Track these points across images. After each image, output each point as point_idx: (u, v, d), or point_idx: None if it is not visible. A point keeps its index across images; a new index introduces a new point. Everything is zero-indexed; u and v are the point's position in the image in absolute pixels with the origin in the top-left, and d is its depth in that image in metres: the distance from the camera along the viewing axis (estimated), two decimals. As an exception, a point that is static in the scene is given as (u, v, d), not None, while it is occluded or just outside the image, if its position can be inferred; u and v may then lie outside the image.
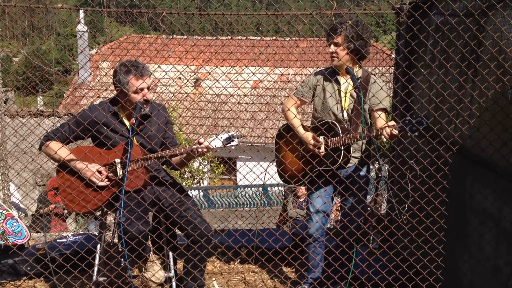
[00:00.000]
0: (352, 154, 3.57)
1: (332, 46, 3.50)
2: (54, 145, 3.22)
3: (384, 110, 3.57)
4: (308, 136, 3.54)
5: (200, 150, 3.11)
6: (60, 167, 3.25)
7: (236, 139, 3.10)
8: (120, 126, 3.28)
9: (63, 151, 3.20)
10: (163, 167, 3.53)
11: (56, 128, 3.31)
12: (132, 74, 3.17)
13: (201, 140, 3.10)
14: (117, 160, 3.20)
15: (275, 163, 3.84)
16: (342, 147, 3.45)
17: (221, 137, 3.09)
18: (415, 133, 3.14)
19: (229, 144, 3.10)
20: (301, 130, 3.58)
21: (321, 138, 3.51)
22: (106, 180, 3.20)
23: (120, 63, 3.26)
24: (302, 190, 7.49)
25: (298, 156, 3.65)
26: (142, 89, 3.21)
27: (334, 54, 3.51)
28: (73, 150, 3.23)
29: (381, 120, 3.49)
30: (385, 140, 3.24)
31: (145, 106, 3.23)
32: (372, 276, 3.59)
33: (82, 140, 3.37)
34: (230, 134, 3.10)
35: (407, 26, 4.12)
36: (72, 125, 3.27)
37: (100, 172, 3.19)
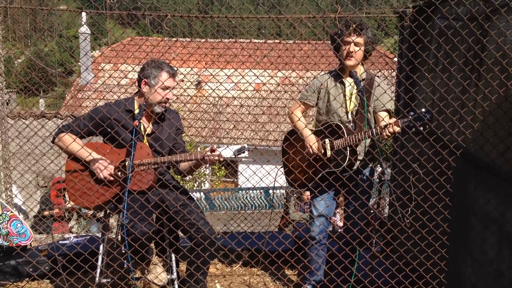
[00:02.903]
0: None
1: (352, 45, 3.47)
2: (68, 138, 3.24)
3: (387, 112, 3.57)
4: (312, 139, 3.53)
5: (212, 158, 3.12)
6: (70, 161, 3.27)
7: (246, 151, 3.14)
8: (132, 125, 3.29)
9: (75, 145, 3.22)
10: (169, 171, 3.55)
11: (70, 122, 3.35)
12: (165, 71, 3.25)
13: (214, 148, 3.12)
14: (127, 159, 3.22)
15: (282, 169, 3.84)
16: (348, 149, 3.44)
17: (233, 148, 3.13)
18: (423, 128, 3.12)
19: (239, 155, 3.15)
20: (305, 133, 3.57)
21: (327, 141, 3.51)
22: (111, 177, 3.22)
23: (151, 59, 3.32)
24: (307, 194, 7.49)
25: (306, 160, 3.62)
26: (168, 88, 3.26)
27: (352, 54, 3.48)
28: (84, 145, 3.26)
29: (384, 122, 3.49)
30: (386, 137, 3.23)
31: (163, 105, 3.29)
32: (375, 279, 3.59)
33: (94, 136, 3.40)
34: (241, 146, 3.15)
35: (410, 30, 4.13)
36: (86, 120, 3.29)
37: (106, 167, 3.20)
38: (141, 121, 3.31)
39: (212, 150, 3.11)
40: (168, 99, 3.30)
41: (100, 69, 16.10)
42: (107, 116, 3.26)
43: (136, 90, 3.42)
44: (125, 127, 3.28)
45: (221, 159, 3.12)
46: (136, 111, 3.33)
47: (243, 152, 3.14)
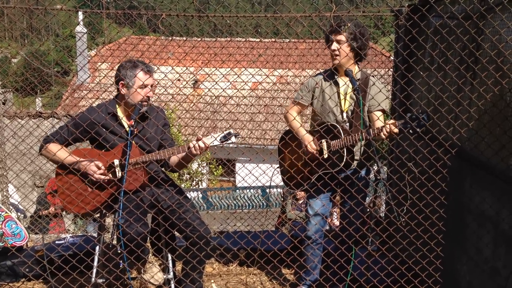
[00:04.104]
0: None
1: (334, 44, 3.48)
2: (53, 147, 3.22)
3: (382, 111, 3.57)
4: (308, 138, 3.52)
5: (197, 147, 3.10)
6: (59, 169, 3.25)
7: (233, 137, 3.09)
8: (119, 127, 3.28)
9: (62, 153, 3.20)
10: (162, 169, 3.53)
11: (55, 131, 3.32)
12: (140, 69, 3.21)
13: (199, 137, 3.11)
14: (116, 162, 3.20)
15: (279, 169, 3.83)
16: (345, 149, 3.43)
17: (219, 136, 3.10)
18: (420, 129, 3.11)
19: (227, 142, 3.10)
20: (301, 132, 3.56)
21: (324, 142, 3.49)
22: (106, 177, 3.20)
23: (125, 60, 3.30)
24: (301, 192, 7.48)
25: (304, 160, 3.61)
26: (145, 86, 3.23)
27: (336, 52, 3.48)
28: (72, 152, 3.24)
29: (379, 121, 3.49)
30: (384, 137, 3.21)
31: (144, 104, 3.24)
32: (371, 278, 3.59)
33: (81, 142, 3.38)
34: (226, 132, 3.10)
35: (406, 28, 4.13)
36: (71, 127, 3.27)
37: (99, 168, 3.18)
38: (125, 121, 3.30)
39: (198, 140, 3.10)
40: (149, 97, 3.28)
41: (96, 68, 16.07)
42: (92, 121, 3.24)
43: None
44: (111, 130, 3.27)
45: (208, 146, 3.10)
46: (119, 113, 3.32)
47: (230, 139, 3.10)
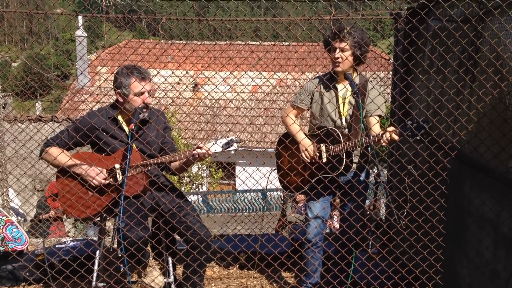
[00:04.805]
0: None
1: (337, 51, 3.48)
2: (54, 151, 3.23)
3: (380, 116, 3.57)
4: (306, 143, 3.52)
5: (199, 155, 3.11)
6: (60, 173, 3.26)
7: (235, 144, 3.09)
8: (119, 132, 3.29)
9: (62, 157, 3.20)
10: (162, 172, 3.54)
11: (56, 135, 3.32)
12: (134, 77, 3.20)
13: (200, 145, 3.11)
14: (117, 166, 3.21)
15: (276, 172, 3.83)
16: (344, 154, 3.44)
17: (220, 142, 3.10)
18: (416, 137, 3.12)
19: (228, 149, 3.10)
20: (300, 136, 3.56)
21: (323, 146, 3.50)
22: (107, 181, 3.20)
23: (121, 66, 3.29)
24: (301, 195, 7.49)
25: (301, 164, 3.62)
26: (142, 93, 3.22)
27: (339, 60, 3.48)
28: (72, 156, 3.24)
29: (377, 126, 3.50)
30: (384, 145, 3.22)
31: (144, 110, 3.24)
32: (371, 281, 3.59)
33: (81, 146, 3.38)
34: (229, 139, 3.10)
35: (404, 32, 4.15)
36: (72, 131, 3.28)
37: (98, 173, 3.19)
38: (124, 126, 3.31)
39: (199, 147, 3.10)
40: (146, 104, 3.26)
41: (96, 72, 16.09)
42: (92, 125, 3.25)
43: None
44: (112, 134, 3.27)
45: (210, 153, 3.10)
46: (119, 117, 3.32)
47: (232, 145, 3.10)
